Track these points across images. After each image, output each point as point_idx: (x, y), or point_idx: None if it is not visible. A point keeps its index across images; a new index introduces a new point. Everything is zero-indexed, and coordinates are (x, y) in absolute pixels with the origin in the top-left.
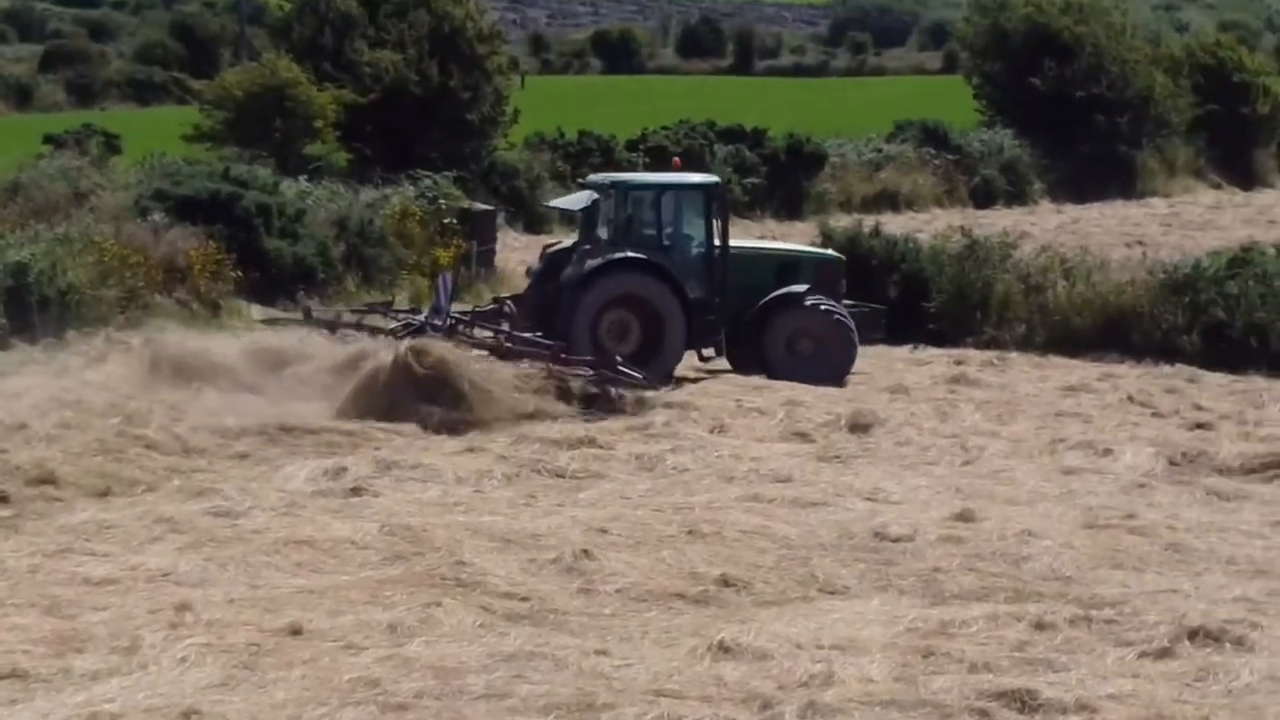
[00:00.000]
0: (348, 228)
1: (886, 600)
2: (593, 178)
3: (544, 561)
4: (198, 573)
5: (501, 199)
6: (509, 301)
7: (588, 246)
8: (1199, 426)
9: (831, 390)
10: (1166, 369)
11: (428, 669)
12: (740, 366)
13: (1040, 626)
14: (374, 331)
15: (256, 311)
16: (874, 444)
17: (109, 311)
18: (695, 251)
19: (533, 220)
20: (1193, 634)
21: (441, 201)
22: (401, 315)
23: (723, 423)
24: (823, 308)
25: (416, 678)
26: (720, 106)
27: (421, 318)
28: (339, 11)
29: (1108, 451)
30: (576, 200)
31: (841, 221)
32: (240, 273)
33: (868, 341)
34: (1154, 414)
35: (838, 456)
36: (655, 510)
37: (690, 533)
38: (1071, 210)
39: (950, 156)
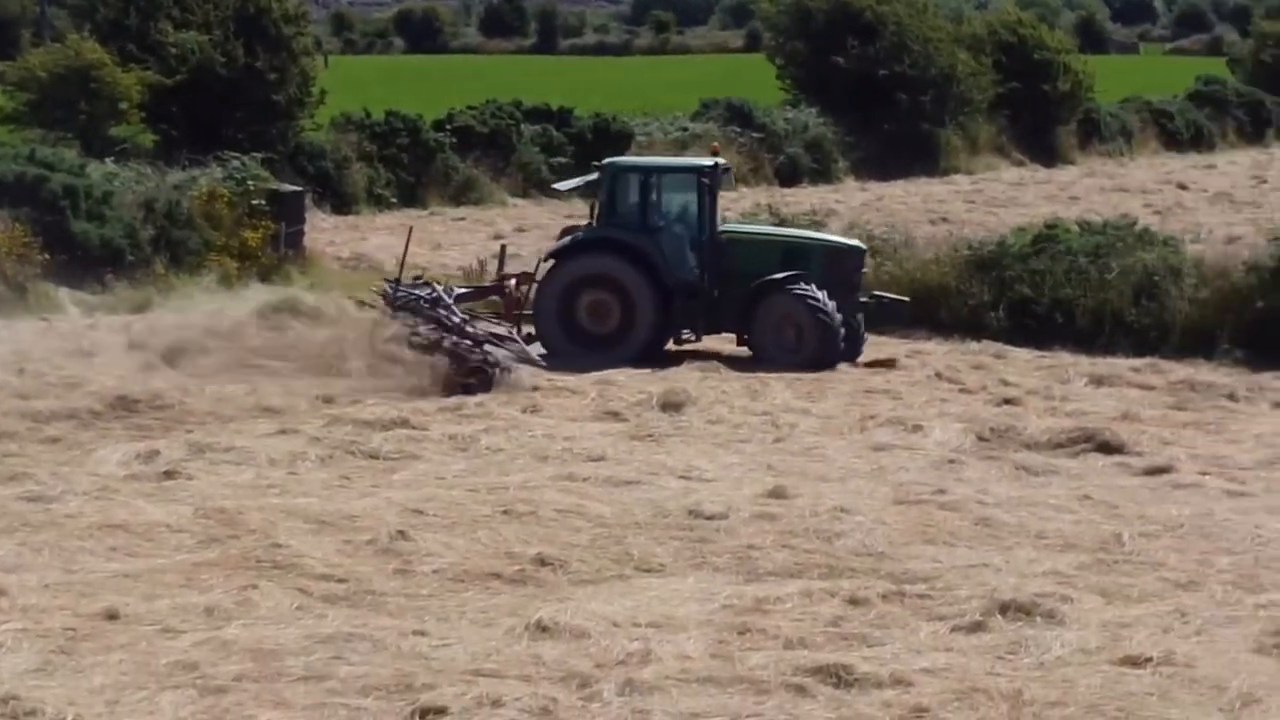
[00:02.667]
0: (155, 210)
1: (702, 578)
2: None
3: (360, 543)
4: (11, 558)
5: (309, 180)
6: (513, 279)
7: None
8: (1007, 402)
9: (643, 369)
10: (974, 345)
11: (246, 651)
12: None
13: (854, 602)
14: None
15: (65, 295)
16: (686, 422)
17: None
18: (684, 234)
19: (340, 201)
20: (1004, 608)
21: (249, 183)
22: (404, 288)
23: (535, 403)
24: (798, 293)
25: (235, 660)
26: (526, 86)
27: (424, 293)
28: None
29: (917, 428)
30: (571, 182)
31: None
32: (48, 256)
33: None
34: (962, 390)
35: (650, 435)
36: (470, 491)
37: (506, 513)
38: (876, 188)
39: (755, 134)
